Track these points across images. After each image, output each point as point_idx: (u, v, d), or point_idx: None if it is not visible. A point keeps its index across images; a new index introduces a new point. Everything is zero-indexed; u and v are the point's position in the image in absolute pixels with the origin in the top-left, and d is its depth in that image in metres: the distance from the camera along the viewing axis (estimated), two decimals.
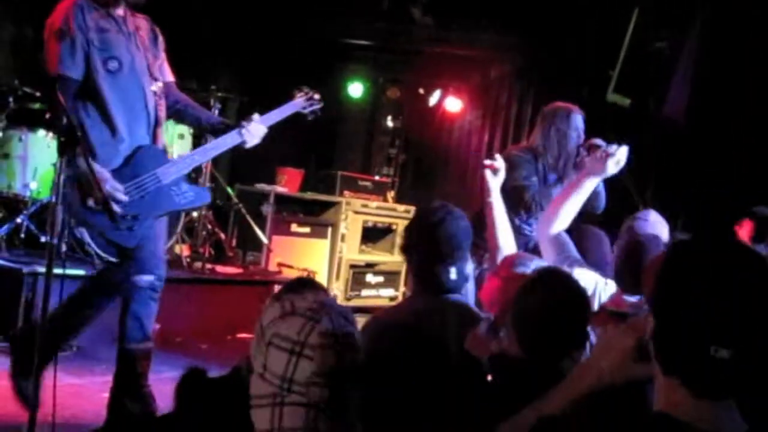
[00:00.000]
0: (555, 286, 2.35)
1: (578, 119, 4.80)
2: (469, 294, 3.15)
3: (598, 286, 3.24)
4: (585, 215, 3.80)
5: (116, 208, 3.45)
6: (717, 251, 1.48)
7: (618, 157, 3.44)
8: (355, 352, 1.69)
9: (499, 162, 3.59)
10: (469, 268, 3.04)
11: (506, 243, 3.44)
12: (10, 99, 6.32)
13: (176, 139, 7.14)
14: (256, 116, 4.07)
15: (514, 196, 4.56)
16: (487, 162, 3.59)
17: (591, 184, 3.50)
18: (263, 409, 1.64)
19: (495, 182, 3.56)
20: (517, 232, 4.30)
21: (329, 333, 1.66)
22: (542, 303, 2.27)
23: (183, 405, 2.12)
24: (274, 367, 1.64)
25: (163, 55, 4.02)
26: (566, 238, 3.43)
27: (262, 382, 1.65)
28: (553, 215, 3.46)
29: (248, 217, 7.52)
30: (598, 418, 1.99)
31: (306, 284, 2.44)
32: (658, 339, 1.48)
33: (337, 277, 8.03)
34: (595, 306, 3.04)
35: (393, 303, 7.75)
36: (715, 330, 1.41)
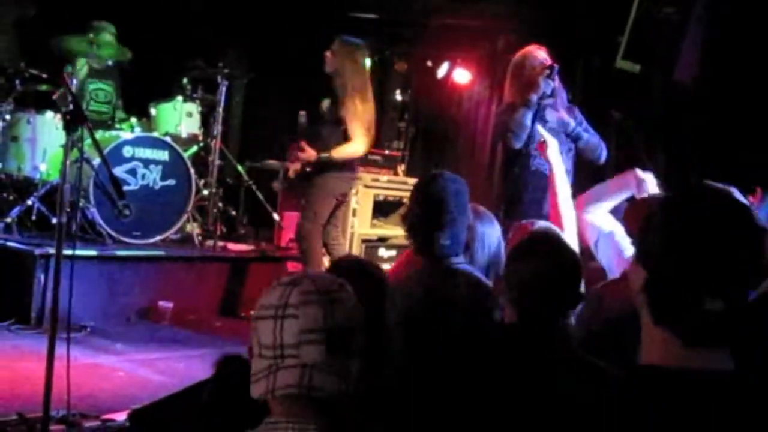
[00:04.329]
0: (548, 250, 2.39)
1: (533, 57, 4.86)
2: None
3: None
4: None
5: None
6: (705, 203, 1.50)
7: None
8: (344, 307, 1.63)
9: (546, 136, 3.84)
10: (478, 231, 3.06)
11: (566, 213, 3.60)
12: (17, 82, 6.29)
13: (185, 117, 7.12)
14: None
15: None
16: (540, 141, 4.01)
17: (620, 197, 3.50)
18: (259, 382, 1.62)
19: (551, 154, 3.87)
20: (538, 174, 4.60)
21: (310, 291, 1.61)
22: (537, 268, 2.31)
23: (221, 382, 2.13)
24: (264, 339, 1.61)
25: None
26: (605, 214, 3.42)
27: (260, 359, 1.63)
28: (592, 201, 3.45)
29: (259, 194, 7.51)
30: None
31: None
32: (649, 290, 1.48)
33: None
34: None
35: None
36: (708, 281, 1.42)
